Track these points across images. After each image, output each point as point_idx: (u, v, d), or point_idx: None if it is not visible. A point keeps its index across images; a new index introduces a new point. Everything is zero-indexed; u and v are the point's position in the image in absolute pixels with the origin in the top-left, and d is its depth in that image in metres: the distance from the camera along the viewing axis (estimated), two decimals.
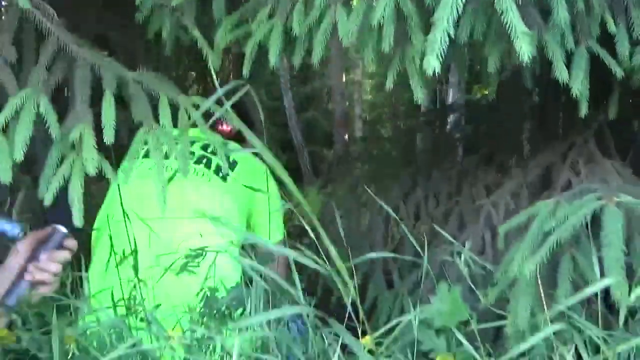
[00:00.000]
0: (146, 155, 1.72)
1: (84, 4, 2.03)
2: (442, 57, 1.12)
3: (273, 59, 1.45)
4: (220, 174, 1.82)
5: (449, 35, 1.12)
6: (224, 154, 1.84)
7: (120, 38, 1.96)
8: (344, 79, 10.99)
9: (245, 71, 1.53)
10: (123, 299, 1.41)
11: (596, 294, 1.25)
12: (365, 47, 1.39)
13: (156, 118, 1.42)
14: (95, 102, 1.39)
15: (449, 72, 5.93)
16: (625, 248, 1.32)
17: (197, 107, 1.47)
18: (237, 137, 2.12)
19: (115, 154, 1.43)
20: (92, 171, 1.33)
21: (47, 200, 1.35)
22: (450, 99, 7.22)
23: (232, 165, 1.87)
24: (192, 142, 1.86)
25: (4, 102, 1.33)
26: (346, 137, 9.61)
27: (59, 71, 1.43)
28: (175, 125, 1.47)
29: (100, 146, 1.39)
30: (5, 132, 1.32)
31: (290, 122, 9.71)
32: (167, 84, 1.49)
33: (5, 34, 1.42)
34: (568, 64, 1.37)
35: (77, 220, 1.34)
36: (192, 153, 1.83)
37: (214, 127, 2.01)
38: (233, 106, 2.15)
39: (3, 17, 1.45)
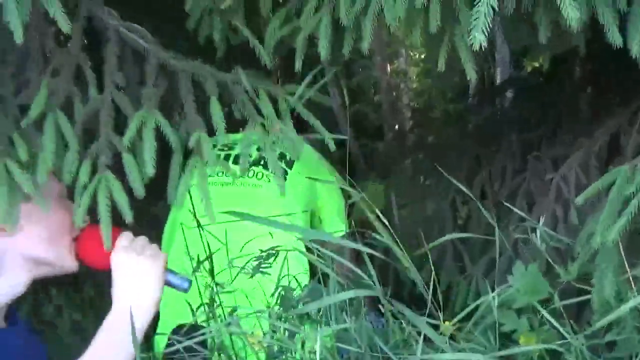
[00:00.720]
0: None
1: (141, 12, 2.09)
2: (487, 30, 1.10)
3: (323, 51, 1.44)
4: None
5: (493, 8, 1.09)
6: (282, 152, 1.86)
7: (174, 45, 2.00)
8: (388, 70, 10.92)
9: (298, 66, 1.52)
10: (202, 303, 1.43)
11: None
12: (414, 29, 1.38)
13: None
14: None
15: (496, 49, 5.79)
16: None
17: (292, 94, 1.52)
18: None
19: None
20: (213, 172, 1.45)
21: (178, 203, 1.44)
22: (498, 78, 7.06)
23: (290, 163, 1.88)
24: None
25: (122, 124, 1.42)
26: (396, 127, 9.53)
27: (162, 86, 1.51)
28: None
29: None
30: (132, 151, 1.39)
31: (338, 117, 9.72)
32: (263, 81, 1.55)
33: (111, 60, 1.49)
34: (624, 26, 1.32)
35: (212, 218, 1.42)
36: (250, 155, 1.85)
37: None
38: None
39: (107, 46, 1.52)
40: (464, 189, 1.51)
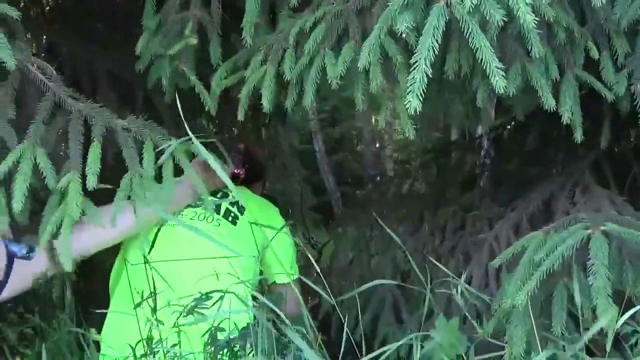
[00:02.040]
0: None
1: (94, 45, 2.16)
2: (421, 96, 1.17)
3: (266, 103, 1.51)
4: (230, 218, 1.90)
5: (427, 75, 1.17)
6: (234, 198, 1.94)
7: (140, 80, 2.08)
8: (372, 120, 11.12)
9: (240, 116, 1.59)
10: (142, 339, 1.49)
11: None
12: (355, 88, 1.47)
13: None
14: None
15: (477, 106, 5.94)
16: (618, 272, 1.38)
17: (190, 153, 1.58)
18: (247, 182, 2.23)
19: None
20: (76, 216, 1.43)
21: (42, 245, 1.46)
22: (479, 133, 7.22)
23: (242, 209, 1.95)
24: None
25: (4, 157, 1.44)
26: (377, 178, 9.67)
27: (58, 124, 1.55)
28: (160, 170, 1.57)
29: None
30: (3, 185, 1.43)
31: (321, 165, 9.84)
32: (155, 130, 1.59)
33: (7, 92, 1.53)
34: (558, 94, 1.44)
35: (66, 265, 1.44)
36: (201, 198, 1.93)
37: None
38: (244, 156, 2.25)
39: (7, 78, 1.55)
40: (400, 243, 1.61)
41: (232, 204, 1.95)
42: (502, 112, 2.85)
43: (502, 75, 1.19)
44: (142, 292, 1.56)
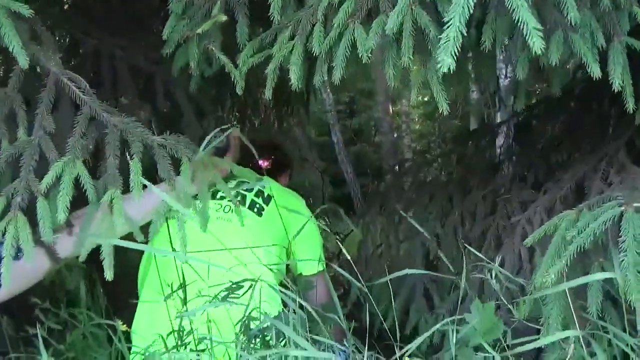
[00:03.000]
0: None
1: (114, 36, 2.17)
2: (456, 55, 1.13)
3: (294, 78, 1.47)
4: (255, 210, 1.89)
5: (462, 33, 1.12)
6: (259, 189, 1.93)
7: (159, 71, 2.07)
8: (390, 111, 11.06)
9: (268, 93, 1.56)
10: (173, 330, 1.49)
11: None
12: (386, 62, 1.42)
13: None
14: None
15: (496, 94, 5.88)
16: None
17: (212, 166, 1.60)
18: (273, 173, 2.21)
19: None
20: (119, 234, 1.46)
21: (82, 258, 1.47)
22: (499, 119, 7.15)
23: (267, 200, 1.94)
24: (227, 181, 1.95)
25: (45, 169, 1.47)
26: (396, 167, 9.62)
27: (92, 137, 1.57)
28: None
29: None
30: (47, 196, 1.45)
31: (339, 157, 9.83)
32: (188, 146, 1.61)
33: (44, 105, 1.55)
34: (605, 62, 1.37)
35: (108, 275, 1.44)
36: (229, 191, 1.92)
37: (251, 164, 2.10)
38: (267, 146, 2.25)
39: (42, 91, 1.57)
40: (426, 234, 1.58)
41: (257, 195, 1.94)
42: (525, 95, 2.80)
43: (540, 36, 1.12)
44: (172, 283, 1.55)
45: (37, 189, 1.43)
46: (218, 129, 1.69)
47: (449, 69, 1.12)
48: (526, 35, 1.12)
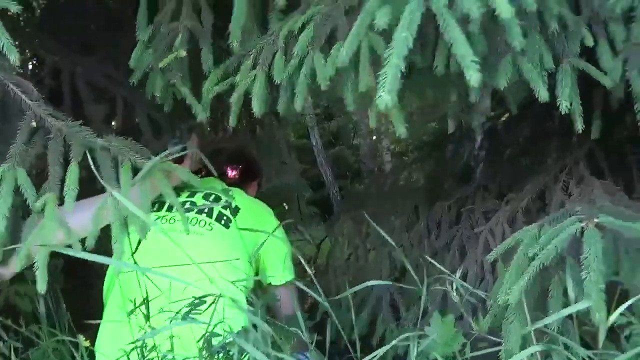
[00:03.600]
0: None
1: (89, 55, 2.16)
2: (396, 92, 1.13)
3: (257, 107, 1.49)
4: (222, 221, 1.89)
5: (401, 70, 1.13)
6: (226, 201, 1.93)
7: (122, 91, 2.06)
8: (368, 113, 11.05)
9: (232, 121, 1.57)
10: (136, 347, 1.48)
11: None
12: (345, 89, 1.43)
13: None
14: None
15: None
16: (612, 266, 1.37)
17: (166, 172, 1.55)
18: (241, 182, 2.21)
19: None
20: (51, 239, 1.40)
21: (19, 267, 1.43)
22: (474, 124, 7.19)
23: (235, 211, 1.93)
24: (194, 193, 1.95)
25: None
26: (375, 169, 9.67)
27: (38, 144, 1.52)
28: None
29: None
30: None
31: (318, 159, 9.84)
32: (134, 149, 1.55)
33: None
34: (555, 84, 1.41)
35: (41, 286, 1.38)
36: (194, 203, 1.91)
37: (219, 174, 2.10)
38: (235, 155, 2.25)
39: None
40: (392, 243, 1.59)
41: (224, 206, 1.94)
42: (497, 103, 2.84)
43: (477, 69, 1.12)
44: (135, 299, 1.55)
45: None
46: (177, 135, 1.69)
47: (385, 105, 1.13)
48: (463, 68, 1.13)
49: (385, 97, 1.12)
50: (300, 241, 3.54)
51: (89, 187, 1.51)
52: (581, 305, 1.17)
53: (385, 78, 1.12)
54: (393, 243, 1.59)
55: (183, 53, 1.59)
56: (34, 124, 1.52)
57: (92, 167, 1.45)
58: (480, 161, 2.65)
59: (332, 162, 10.50)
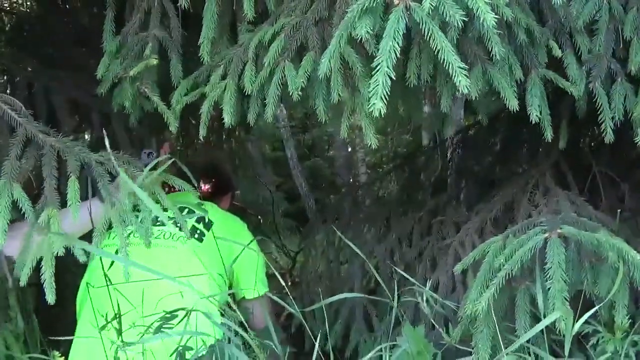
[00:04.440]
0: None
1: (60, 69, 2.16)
2: (386, 98, 1.16)
3: (228, 118, 1.51)
4: (196, 235, 1.89)
5: (390, 77, 1.16)
6: (199, 215, 1.93)
7: (97, 103, 2.06)
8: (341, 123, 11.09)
9: (202, 132, 1.59)
10: None
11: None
12: (316, 98, 1.46)
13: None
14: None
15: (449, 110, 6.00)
16: (576, 276, 1.40)
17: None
18: (214, 196, 2.22)
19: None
20: (60, 251, 1.43)
21: (23, 281, 1.46)
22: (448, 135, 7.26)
23: (208, 225, 1.94)
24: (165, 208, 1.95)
25: None
26: (350, 181, 9.67)
27: (30, 159, 1.56)
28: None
29: None
30: None
31: (294, 172, 9.84)
32: (128, 162, 1.60)
33: None
34: (524, 94, 1.44)
35: (50, 298, 1.44)
36: (169, 217, 1.92)
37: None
38: (207, 169, 2.25)
39: None
40: (363, 257, 1.61)
41: (198, 220, 1.94)
42: (469, 114, 2.89)
43: (465, 75, 1.17)
44: (107, 314, 1.54)
45: None
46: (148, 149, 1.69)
47: (379, 112, 1.16)
48: (452, 74, 1.17)
49: (378, 104, 1.15)
50: (277, 253, 3.56)
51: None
52: (549, 319, 1.19)
53: (376, 86, 1.15)
54: (364, 257, 1.61)
55: (154, 61, 1.59)
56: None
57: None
58: (451, 172, 2.70)
59: (308, 174, 10.49)
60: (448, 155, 2.80)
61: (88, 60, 2.41)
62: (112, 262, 1.75)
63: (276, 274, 1.66)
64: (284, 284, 1.56)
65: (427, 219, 2.21)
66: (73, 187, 1.48)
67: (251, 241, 1.94)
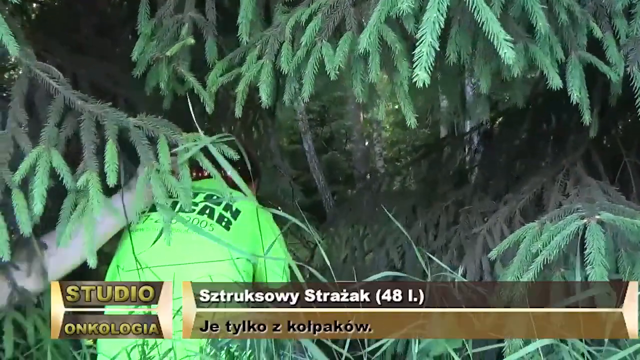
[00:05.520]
0: (153, 210, 1.82)
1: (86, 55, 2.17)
2: (430, 69, 1.16)
3: (265, 97, 1.51)
4: (223, 223, 1.89)
5: (434, 48, 1.16)
6: (228, 203, 1.93)
7: (122, 91, 2.07)
8: (362, 119, 11.16)
9: (238, 112, 1.59)
10: (137, 344, 1.48)
11: None
12: (354, 78, 1.46)
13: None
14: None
15: (466, 104, 5.99)
16: (614, 262, 1.38)
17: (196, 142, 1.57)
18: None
19: None
20: (98, 213, 1.46)
21: (63, 244, 1.49)
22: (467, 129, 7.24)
23: (235, 214, 1.94)
24: (196, 194, 1.95)
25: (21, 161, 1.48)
26: (368, 175, 9.70)
27: (68, 126, 1.58)
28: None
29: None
30: (21, 188, 1.46)
31: (311, 165, 9.85)
32: (166, 126, 1.60)
33: (17, 98, 1.57)
34: (563, 76, 1.41)
35: (91, 262, 1.47)
36: (195, 203, 1.91)
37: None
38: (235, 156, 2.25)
39: (14, 83, 1.59)
40: (406, 233, 1.59)
41: (225, 208, 1.94)
42: (492, 107, 2.86)
43: (511, 47, 1.16)
44: None
45: (11, 182, 1.44)
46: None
47: (423, 83, 1.15)
48: (497, 47, 1.15)
49: (422, 75, 1.15)
50: (295, 244, 3.55)
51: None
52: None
53: (420, 57, 1.14)
54: (400, 225, 1.59)
55: (191, 40, 1.60)
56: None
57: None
58: (476, 164, 2.68)
59: (325, 168, 10.51)
60: (473, 147, 2.78)
61: (112, 49, 2.43)
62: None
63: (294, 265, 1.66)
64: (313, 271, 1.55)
65: (454, 209, 2.20)
66: (111, 151, 1.50)
67: (278, 236, 1.94)
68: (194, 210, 1.87)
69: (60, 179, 1.49)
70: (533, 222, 1.51)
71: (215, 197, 1.94)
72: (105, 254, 1.79)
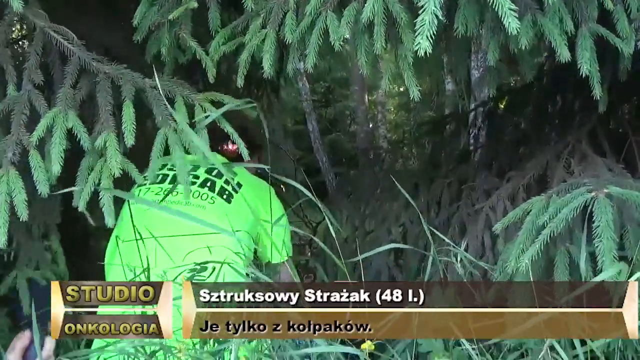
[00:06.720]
0: (153, 182, 1.80)
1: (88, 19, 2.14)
2: (432, 38, 1.15)
3: (267, 67, 1.49)
4: (225, 196, 1.87)
5: (437, 17, 1.15)
6: (228, 176, 1.91)
7: (125, 54, 2.05)
8: (366, 100, 11.14)
9: (240, 81, 1.58)
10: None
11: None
12: (359, 50, 1.44)
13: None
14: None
15: (471, 85, 5.96)
16: (618, 238, 1.36)
17: (213, 103, 1.56)
18: (241, 158, 2.19)
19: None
20: (117, 172, 1.46)
21: (81, 206, 1.48)
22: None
23: (237, 187, 1.92)
24: (197, 166, 1.93)
25: (37, 124, 1.47)
26: (370, 154, 9.66)
27: (84, 87, 1.56)
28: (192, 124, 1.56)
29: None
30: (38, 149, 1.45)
31: (314, 145, 9.83)
32: (182, 86, 1.59)
33: (32, 59, 1.55)
34: (572, 49, 1.39)
35: (109, 221, 1.48)
36: (197, 177, 1.90)
37: (219, 148, 2.09)
38: (239, 130, 2.23)
39: (29, 45, 1.59)
40: (415, 207, 1.58)
41: (227, 182, 1.92)
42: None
43: (515, 17, 1.15)
44: (135, 268, 1.53)
45: (29, 143, 1.43)
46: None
47: (425, 52, 1.14)
48: (501, 16, 1.14)
49: (424, 43, 1.14)
50: (297, 223, 3.55)
51: None
52: (605, 275, 1.15)
53: (422, 25, 1.13)
54: (407, 195, 1.57)
55: (194, 4, 1.57)
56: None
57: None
58: (480, 144, 2.65)
59: (329, 149, 10.49)
60: (478, 124, 2.76)
61: (123, 13, 2.38)
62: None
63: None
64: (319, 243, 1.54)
65: (456, 186, 2.18)
66: (128, 111, 1.49)
67: (283, 215, 1.92)
68: (194, 182, 1.85)
69: (77, 140, 1.48)
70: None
71: (216, 170, 1.93)
72: (109, 230, 1.78)
